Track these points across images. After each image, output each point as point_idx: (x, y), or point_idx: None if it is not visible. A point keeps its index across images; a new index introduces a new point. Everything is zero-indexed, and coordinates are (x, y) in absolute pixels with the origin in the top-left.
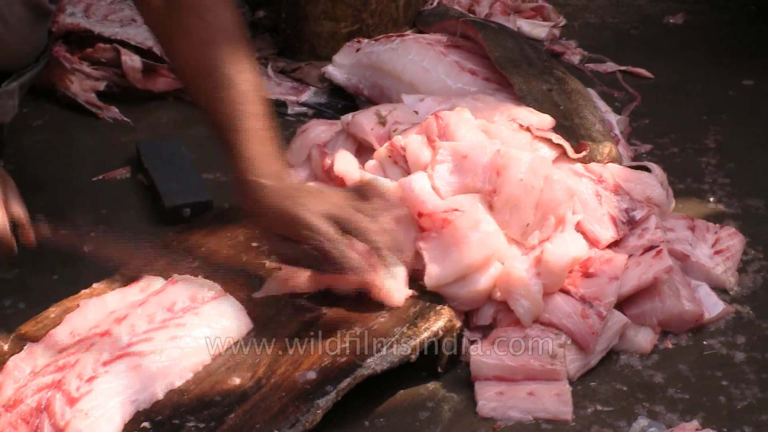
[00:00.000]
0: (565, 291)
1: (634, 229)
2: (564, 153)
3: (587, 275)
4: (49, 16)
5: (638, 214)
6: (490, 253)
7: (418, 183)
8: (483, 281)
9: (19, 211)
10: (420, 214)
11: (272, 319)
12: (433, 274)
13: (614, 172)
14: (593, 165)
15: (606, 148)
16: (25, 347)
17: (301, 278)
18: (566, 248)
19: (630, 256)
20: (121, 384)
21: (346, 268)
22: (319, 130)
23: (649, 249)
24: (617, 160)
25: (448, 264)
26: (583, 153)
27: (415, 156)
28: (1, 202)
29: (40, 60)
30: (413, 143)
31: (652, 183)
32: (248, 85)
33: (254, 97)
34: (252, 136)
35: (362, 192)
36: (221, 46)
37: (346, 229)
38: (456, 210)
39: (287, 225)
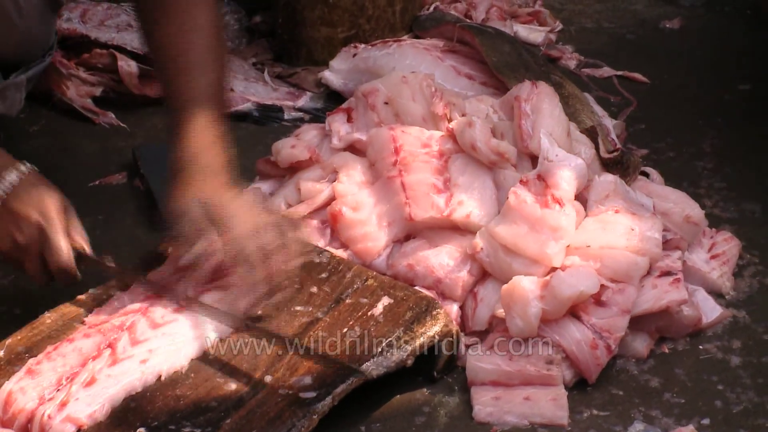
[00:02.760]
0: (576, 316)
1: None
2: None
3: (599, 303)
4: (57, 10)
5: (668, 236)
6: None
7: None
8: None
9: (82, 241)
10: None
11: (268, 324)
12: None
13: (653, 190)
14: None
15: (633, 155)
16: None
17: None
18: (577, 280)
19: (647, 274)
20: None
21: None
22: (312, 134)
23: (666, 274)
24: (640, 165)
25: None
26: (614, 153)
27: None
28: (64, 233)
29: (46, 55)
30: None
31: (691, 203)
32: (209, 80)
33: (211, 92)
34: (198, 128)
35: (282, 225)
36: (197, 39)
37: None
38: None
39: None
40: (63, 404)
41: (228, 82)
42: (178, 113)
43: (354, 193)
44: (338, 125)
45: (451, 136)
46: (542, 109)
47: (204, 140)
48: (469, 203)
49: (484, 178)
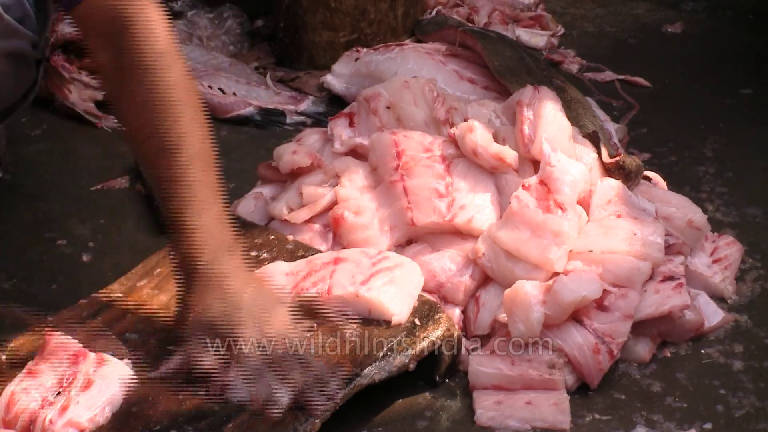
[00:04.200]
0: (578, 321)
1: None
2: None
3: (601, 308)
4: (33, 58)
5: (670, 240)
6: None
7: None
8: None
9: None
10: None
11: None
12: (499, 233)
13: (656, 194)
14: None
15: (635, 160)
16: None
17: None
18: (579, 285)
19: (649, 278)
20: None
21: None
22: (314, 138)
23: (669, 278)
24: (642, 170)
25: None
26: (616, 158)
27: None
28: None
29: (28, 95)
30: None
31: (694, 207)
32: (189, 154)
33: (199, 164)
34: (193, 209)
35: (311, 310)
36: (163, 111)
37: (267, 362)
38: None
39: (218, 331)
40: (64, 408)
41: (207, 132)
42: (167, 207)
43: (356, 197)
44: (340, 130)
45: (453, 141)
46: (544, 113)
47: (204, 225)
48: (471, 208)
49: (486, 183)
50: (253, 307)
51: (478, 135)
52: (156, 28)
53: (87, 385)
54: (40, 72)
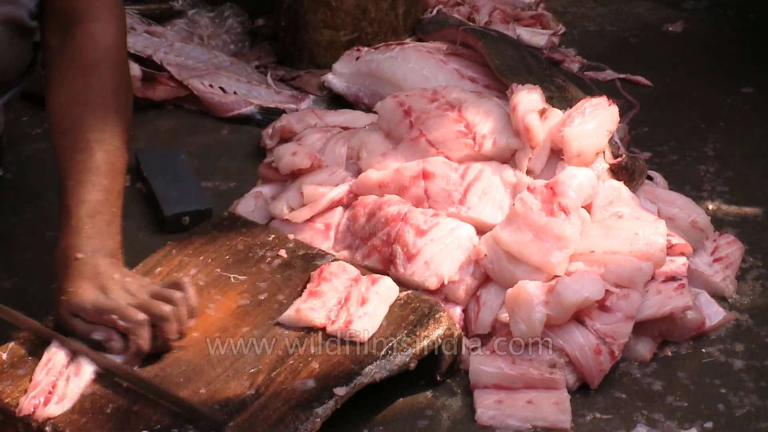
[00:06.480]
0: (580, 321)
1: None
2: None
3: (603, 309)
4: (31, 33)
5: (673, 241)
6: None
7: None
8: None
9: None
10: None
11: (271, 327)
12: (502, 234)
13: (659, 195)
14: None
15: (638, 160)
16: None
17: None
18: (582, 286)
19: (651, 279)
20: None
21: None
22: (314, 138)
23: (671, 279)
24: (645, 170)
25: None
26: (619, 159)
27: None
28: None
29: (24, 76)
30: None
31: (697, 208)
32: (104, 157)
33: (105, 170)
34: (88, 208)
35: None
36: (93, 110)
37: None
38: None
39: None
40: (347, 323)
41: (127, 146)
42: (66, 197)
43: (379, 162)
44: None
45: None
46: None
47: (93, 227)
48: (491, 135)
49: (497, 110)
50: (121, 280)
51: (537, 96)
52: (108, 30)
53: (363, 302)
54: (38, 56)
